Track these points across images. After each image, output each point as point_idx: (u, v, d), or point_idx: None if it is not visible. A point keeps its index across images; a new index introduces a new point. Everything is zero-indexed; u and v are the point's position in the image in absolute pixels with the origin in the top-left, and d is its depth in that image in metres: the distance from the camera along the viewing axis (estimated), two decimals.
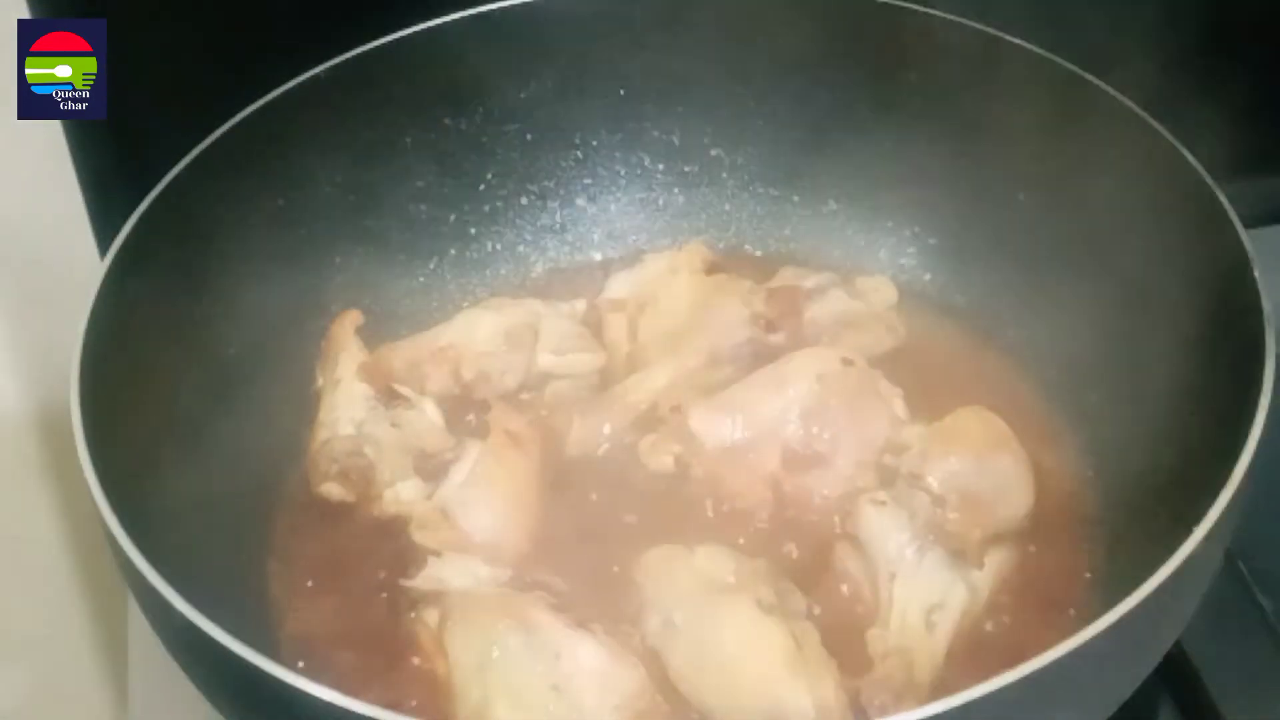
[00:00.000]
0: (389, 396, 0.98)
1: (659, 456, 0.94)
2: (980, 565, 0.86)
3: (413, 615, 0.86)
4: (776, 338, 1.01)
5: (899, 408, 0.96)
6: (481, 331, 1.00)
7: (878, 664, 0.81)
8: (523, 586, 0.85)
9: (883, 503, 0.88)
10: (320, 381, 1.00)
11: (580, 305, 1.06)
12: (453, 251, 1.11)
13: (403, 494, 0.93)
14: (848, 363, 0.96)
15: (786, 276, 1.06)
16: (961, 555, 0.85)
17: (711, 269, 1.09)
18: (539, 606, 0.82)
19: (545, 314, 1.03)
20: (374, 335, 1.03)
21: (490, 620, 0.81)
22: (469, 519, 0.90)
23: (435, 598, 0.85)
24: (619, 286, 1.07)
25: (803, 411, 0.93)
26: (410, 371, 0.99)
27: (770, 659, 0.79)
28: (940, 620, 0.85)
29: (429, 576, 0.86)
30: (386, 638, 0.87)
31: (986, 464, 0.89)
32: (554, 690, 0.78)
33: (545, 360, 1.01)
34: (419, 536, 0.90)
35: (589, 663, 0.79)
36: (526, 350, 1.00)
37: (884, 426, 0.94)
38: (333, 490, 0.94)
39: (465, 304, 1.10)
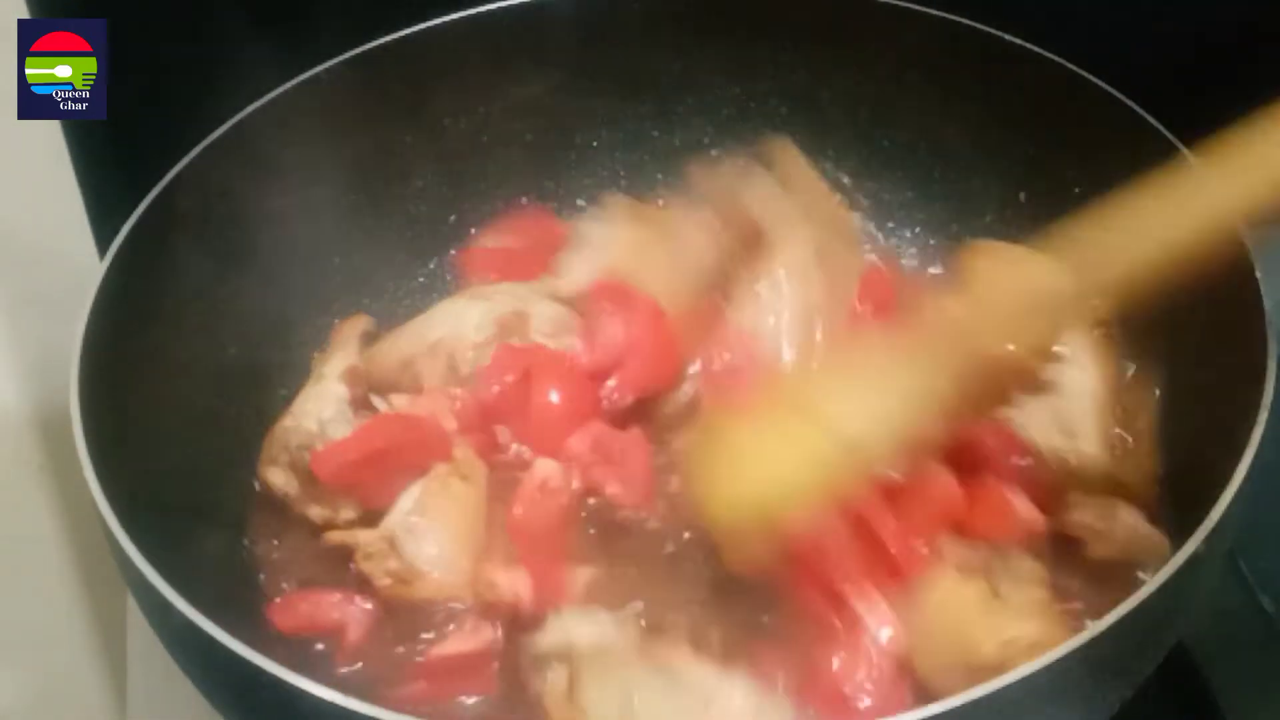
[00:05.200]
0: (361, 404, 0.96)
1: None
2: (1063, 359, 0.88)
3: (544, 680, 0.80)
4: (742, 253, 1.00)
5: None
6: (471, 322, 0.98)
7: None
8: (652, 629, 0.81)
9: None
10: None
11: (560, 283, 1.03)
12: (453, 251, 1.11)
13: (341, 516, 0.92)
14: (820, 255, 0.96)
15: (698, 172, 1.05)
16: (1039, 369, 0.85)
17: (637, 214, 1.07)
18: (679, 648, 0.78)
19: (531, 298, 1.01)
20: (374, 335, 1.03)
21: (629, 669, 0.77)
22: (415, 549, 0.87)
23: (562, 654, 0.80)
24: (577, 274, 1.04)
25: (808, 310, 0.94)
26: (404, 370, 0.97)
27: (964, 607, 0.79)
28: (1076, 428, 0.88)
29: (554, 632, 0.80)
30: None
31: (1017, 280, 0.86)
32: None
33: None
34: (365, 566, 0.87)
35: (743, 704, 0.75)
36: (519, 337, 0.98)
37: None
38: (276, 476, 0.92)
39: None
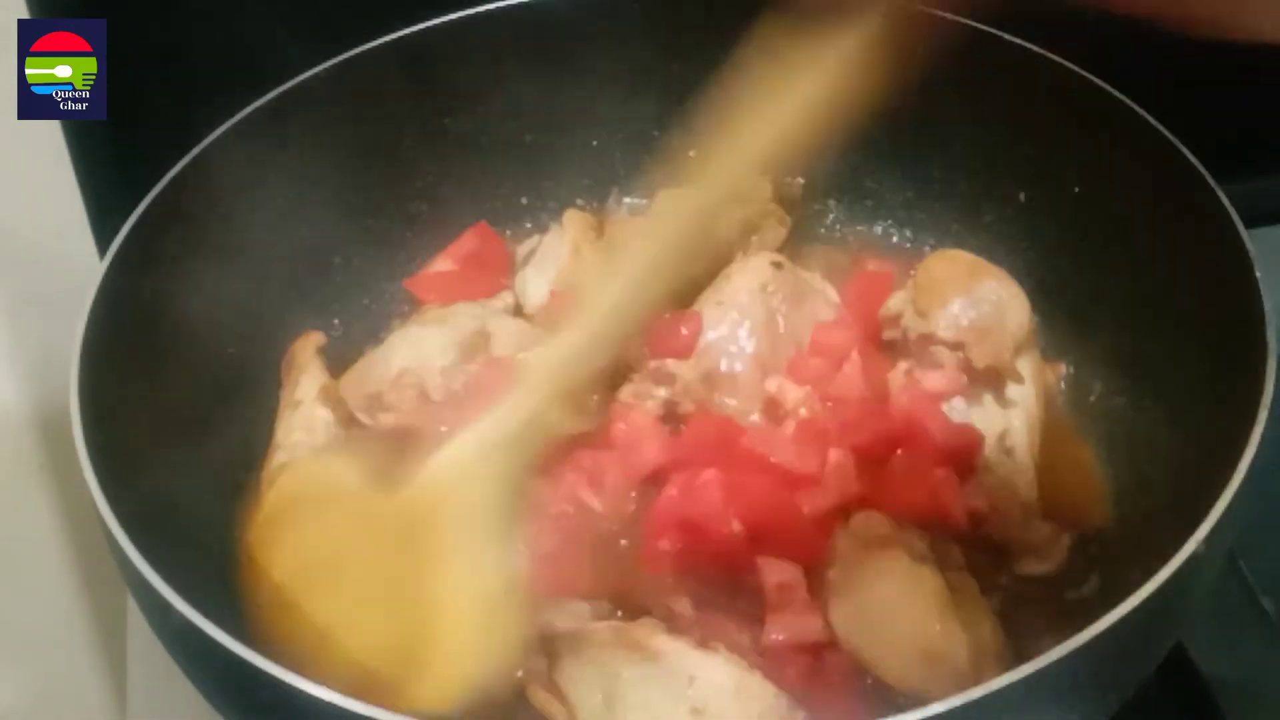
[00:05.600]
0: (350, 423, 0.95)
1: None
2: (1020, 379, 0.92)
3: (523, 670, 0.82)
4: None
5: (831, 292, 1.01)
6: (431, 348, 0.97)
7: (990, 509, 0.86)
8: (628, 616, 0.83)
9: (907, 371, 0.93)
10: (280, 401, 0.98)
11: (510, 298, 1.04)
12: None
13: None
14: (778, 265, 1.00)
15: (666, 200, 1.06)
16: (999, 380, 0.91)
17: (599, 230, 1.09)
18: (656, 633, 0.80)
19: (490, 316, 1.00)
20: (373, 334, 1.03)
21: (610, 655, 0.79)
22: None
23: (539, 644, 0.82)
24: (537, 288, 1.05)
25: (755, 324, 0.97)
26: (370, 404, 0.96)
27: (925, 604, 0.80)
28: (1014, 443, 0.90)
29: (531, 622, 0.82)
30: None
31: (977, 293, 0.95)
32: (695, 714, 0.76)
33: None
34: None
35: (724, 681, 0.77)
36: (484, 356, 0.96)
37: (829, 313, 1.00)
38: None
39: None
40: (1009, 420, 0.92)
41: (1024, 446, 0.92)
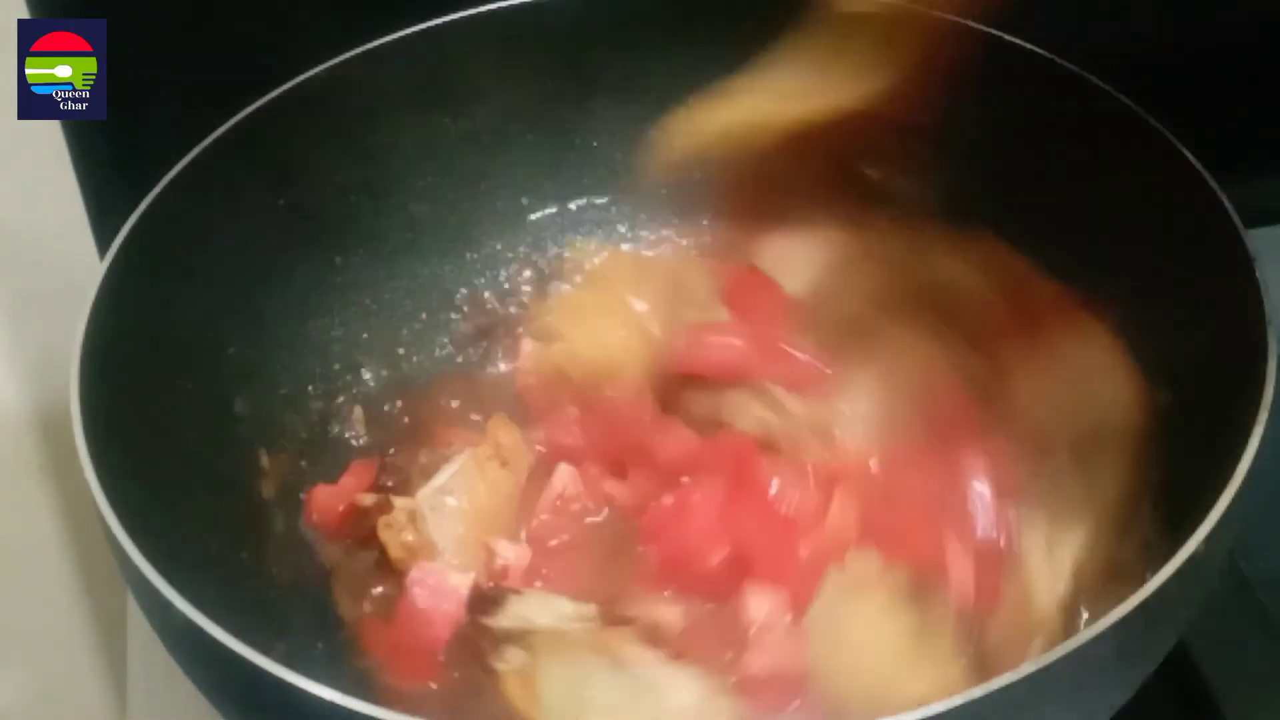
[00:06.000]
0: None
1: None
2: (1099, 474, 0.81)
3: (502, 661, 0.83)
4: None
5: None
6: None
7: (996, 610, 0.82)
8: (610, 622, 0.83)
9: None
10: None
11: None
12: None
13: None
14: None
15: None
16: (1070, 472, 0.83)
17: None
18: (631, 641, 0.80)
19: None
20: (377, 334, 1.03)
21: (582, 657, 0.80)
22: (436, 525, 0.88)
23: (519, 636, 0.82)
24: None
25: None
26: None
27: (892, 646, 0.80)
28: (1062, 549, 0.82)
29: (513, 615, 0.83)
30: None
31: (1072, 365, 0.85)
32: None
33: None
34: (383, 535, 0.88)
35: (687, 697, 0.77)
36: None
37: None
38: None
39: None
40: (1063, 527, 0.83)
41: (1070, 557, 0.83)
